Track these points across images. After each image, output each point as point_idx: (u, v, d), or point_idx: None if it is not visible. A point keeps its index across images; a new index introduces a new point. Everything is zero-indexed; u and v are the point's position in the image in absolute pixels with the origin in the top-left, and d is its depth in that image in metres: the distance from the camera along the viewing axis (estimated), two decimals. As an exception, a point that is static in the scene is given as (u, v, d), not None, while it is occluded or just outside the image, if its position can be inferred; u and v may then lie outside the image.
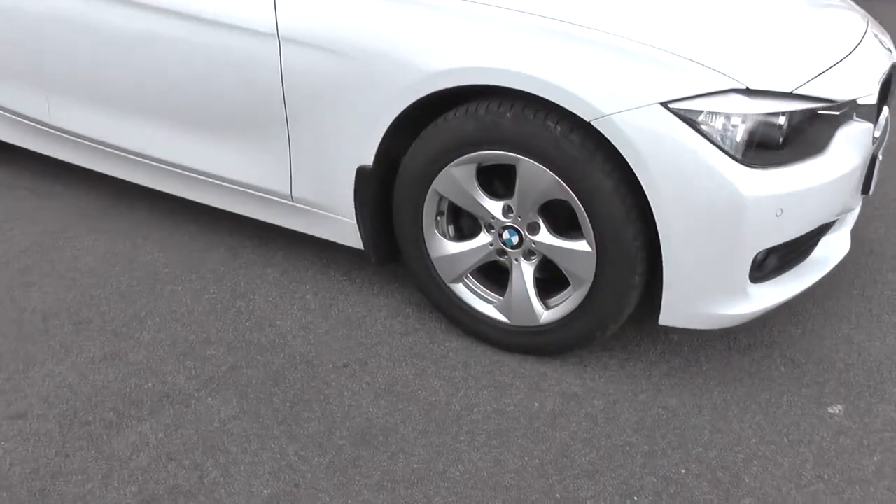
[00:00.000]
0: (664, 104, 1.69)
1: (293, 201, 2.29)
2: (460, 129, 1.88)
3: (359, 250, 2.25)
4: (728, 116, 1.69)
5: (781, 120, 1.72)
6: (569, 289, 2.00)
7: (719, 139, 1.69)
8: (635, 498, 1.67)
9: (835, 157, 1.84)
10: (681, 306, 1.86)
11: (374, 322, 2.25)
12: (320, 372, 2.05)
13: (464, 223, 2.16)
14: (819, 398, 1.95)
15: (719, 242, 1.76)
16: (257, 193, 2.34)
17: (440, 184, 1.99)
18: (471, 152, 1.90)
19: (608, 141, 1.75)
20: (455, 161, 1.93)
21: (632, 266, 1.85)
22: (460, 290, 2.13)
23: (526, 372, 2.06)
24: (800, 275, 2.00)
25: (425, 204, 2.04)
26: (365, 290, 2.40)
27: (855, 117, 1.89)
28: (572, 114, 1.76)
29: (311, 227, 2.33)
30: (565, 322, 2.01)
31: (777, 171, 1.75)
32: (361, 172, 2.08)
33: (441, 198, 2.04)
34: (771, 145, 1.74)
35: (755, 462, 1.76)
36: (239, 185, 2.36)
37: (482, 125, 1.85)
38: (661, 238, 1.77)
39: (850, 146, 1.88)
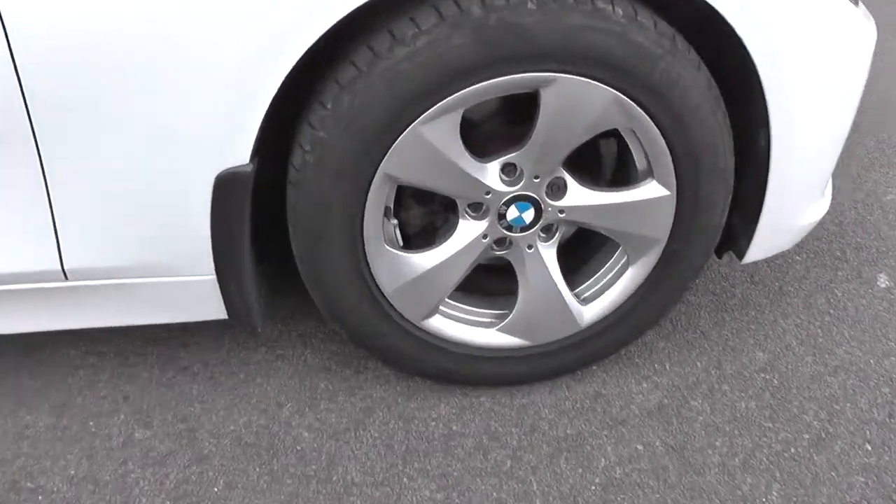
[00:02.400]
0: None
1: (68, 279, 1.14)
2: (442, 50, 0.99)
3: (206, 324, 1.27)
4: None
5: None
6: (613, 263, 1.29)
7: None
8: None
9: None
10: (773, 227, 1.28)
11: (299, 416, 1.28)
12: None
13: (412, 219, 1.27)
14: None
15: (840, 121, 1.19)
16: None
17: (396, 161, 1.07)
18: (460, 89, 1.02)
19: (686, 16, 1.04)
20: (428, 113, 1.03)
21: (721, 197, 1.21)
22: (436, 324, 1.27)
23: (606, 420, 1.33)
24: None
25: (367, 203, 1.11)
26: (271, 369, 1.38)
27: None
28: None
29: (107, 313, 1.22)
30: (619, 315, 1.30)
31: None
32: (228, 181, 1.05)
33: (390, 187, 1.13)
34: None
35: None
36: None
37: (485, 34, 0.98)
38: (774, 135, 1.14)
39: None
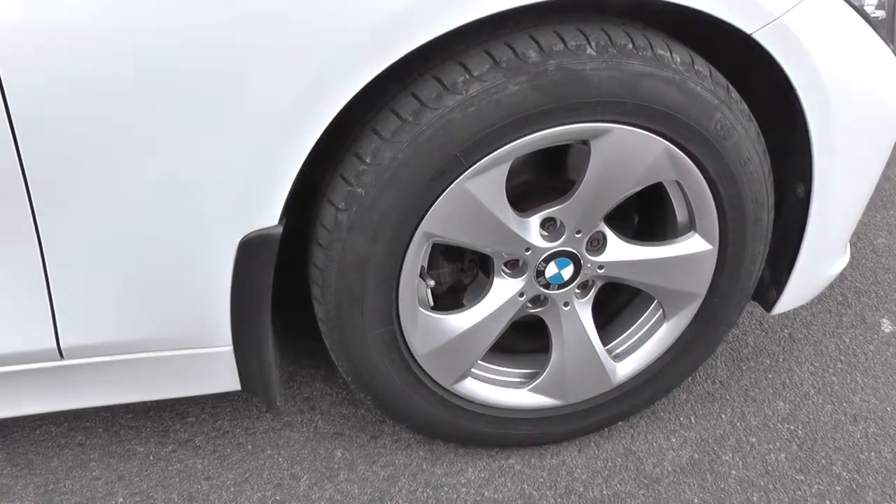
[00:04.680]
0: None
1: (64, 357, 1.02)
2: (495, 99, 0.93)
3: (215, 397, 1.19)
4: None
5: None
6: (646, 318, 1.25)
7: (880, 30, 1.09)
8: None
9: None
10: (806, 278, 1.27)
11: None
12: None
13: (441, 278, 1.20)
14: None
15: (874, 168, 1.20)
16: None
17: (438, 218, 1.01)
18: (513, 140, 0.97)
19: (743, 65, 1.03)
20: (476, 166, 0.98)
21: (762, 251, 1.19)
22: (470, 388, 1.20)
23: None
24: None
25: (405, 264, 1.04)
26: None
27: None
28: (696, 34, 0.98)
29: (118, 391, 1.10)
30: (654, 371, 1.26)
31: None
32: (253, 245, 0.96)
33: (428, 245, 1.06)
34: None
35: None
36: None
37: (543, 81, 0.93)
38: (816, 185, 1.12)
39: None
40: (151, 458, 1.27)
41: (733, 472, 1.29)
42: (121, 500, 1.20)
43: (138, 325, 1.01)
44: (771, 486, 1.26)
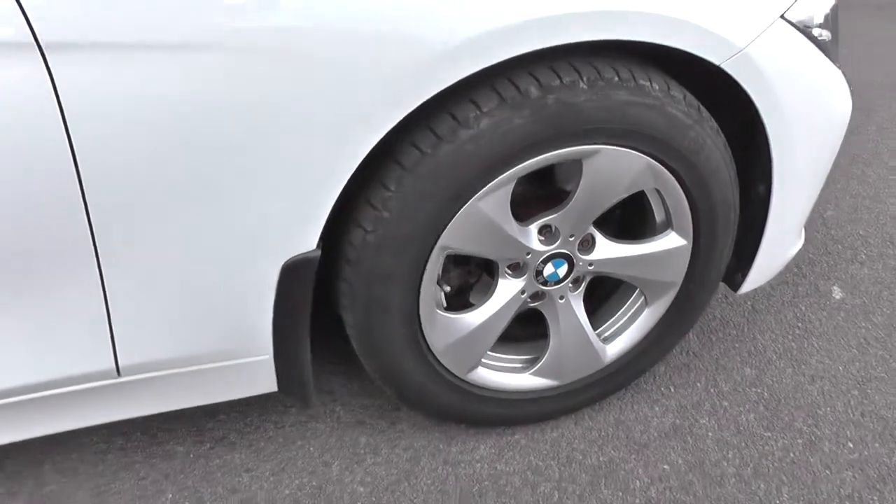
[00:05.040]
0: (783, 17, 1.17)
1: (122, 375, 1.14)
2: (503, 131, 1.06)
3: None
4: (826, 19, 1.25)
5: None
6: (631, 305, 1.42)
7: (827, 51, 1.25)
8: None
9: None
10: (766, 263, 1.45)
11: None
12: None
13: (450, 281, 1.35)
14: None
15: (823, 168, 1.37)
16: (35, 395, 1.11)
17: (453, 233, 1.14)
18: (516, 164, 1.11)
19: (708, 89, 1.18)
20: (486, 188, 1.11)
21: (729, 243, 1.36)
22: (481, 375, 1.36)
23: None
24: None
25: (425, 274, 1.18)
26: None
27: None
28: (670, 66, 1.13)
29: (185, 397, 1.22)
30: (638, 350, 1.43)
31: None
32: (295, 268, 1.08)
33: (443, 256, 1.20)
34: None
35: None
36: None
37: (543, 113, 1.07)
38: (776, 185, 1.29)
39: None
40: (192, 456, 1.40)
41: (710, 433, 1.47)
42: (170, 496, 1.33)
43: (190, 342, 1.13)
44: (743, 444, 1.45)
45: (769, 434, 1.47)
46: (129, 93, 0.88)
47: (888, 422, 1.49)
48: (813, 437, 1.47)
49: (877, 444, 1.45)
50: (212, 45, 0.89)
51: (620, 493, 1.35)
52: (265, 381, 1.24)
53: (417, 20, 0.95)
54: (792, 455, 1.43)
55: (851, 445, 1.46)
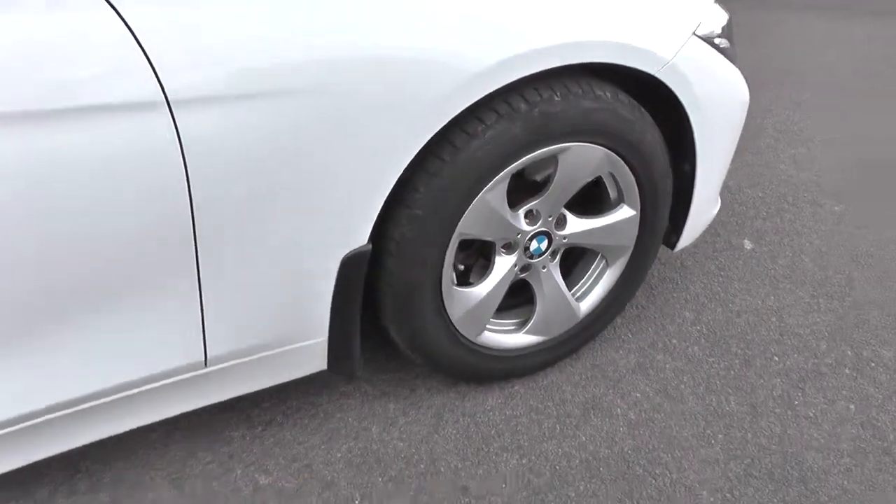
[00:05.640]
0: (695, 34, 1.53)
1: (208, 365, 1.38)
2: (503, 138, 1.37)
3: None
4: (724, 30, 1.63)
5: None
6: (595, 268, 1.76)
7: (727, 55, 1.63)
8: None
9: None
10: (694, 224, 1.82)
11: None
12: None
13: (458, 262, 1.64)
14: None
15: (731, 147, 1.75)
16: (118, 395, 1.33)
17: (467, 222, 1.44)
18: (512, 162, 1.42)
19: (646, 93, 1.53)
20: (490, 184, 1.42)
21: (667, 211, 1.72)
22: (488, 337, 1.66)
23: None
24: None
25: (446, 257, 1.47)
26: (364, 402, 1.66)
27: None
28: (616, 75, 1.46)
29: (253, 381, 1.46)
30: (605, 303, 1.77)
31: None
32: (353, 261, 1.36)
33: (458, 241, 1.49)
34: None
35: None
36: (89, 401, 1.29)
37: (532, 122, 1.38)
38: (699, 163, 1.66)
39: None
40: (247, 438, 1.63)
41: (667, 365, 1.83)
42: (239, 472, 1.56)
43: (264, 331, 1.38)
44: (694, 370, 1.81)
45: (713, 359, 1.84)
46: (236, 135, 1.14)
47: (802, 337, 1.89)
48: (746, 357, 1.85)
49: (795, 355, 1.84)
50: (298, 90, 1.15)
51: (608, 419, 1.68)
52: (317, 361, 1.50)
53: (445, 58, 1.24)
54: (732, 372, 1.81)
55: (777, 359, 1.85)
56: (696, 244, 2.21)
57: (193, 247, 1.22)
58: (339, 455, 1.59)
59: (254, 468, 1.57)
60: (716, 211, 1.88)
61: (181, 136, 1.11)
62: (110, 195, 1.10)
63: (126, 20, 1.06)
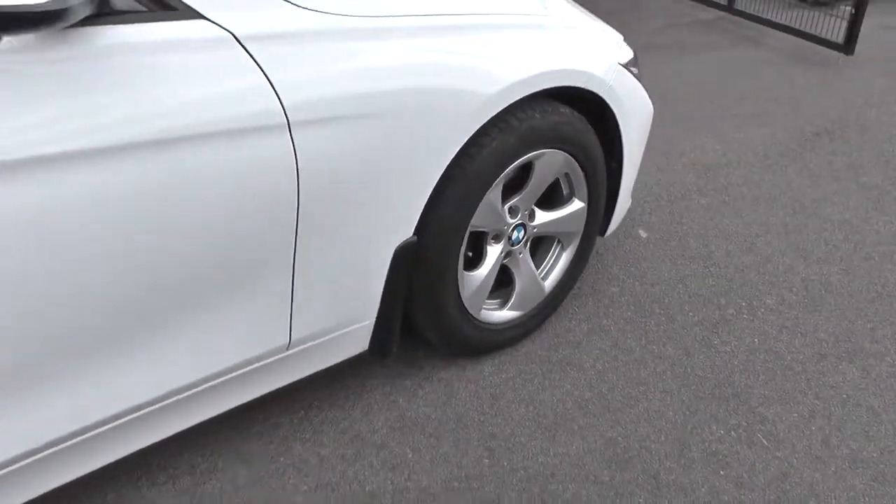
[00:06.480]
0: (620, 63, 2.04)
1: (290, 348, 1.64)
2: (503, 148, 1.77)
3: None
4: (633, 63, 2.16)
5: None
6: (553, 252, 2.19)
7: (637, 77, 2.16)
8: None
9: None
10: (619, 212, 2.32)
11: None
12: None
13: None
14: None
15: (643, 148, 2.27)
16: (226, 377, 1.56)
17: (478, 217, 1.83)
18: (506, 167, 1.82)
19: (587, 109, 2.01)
20: (493, 184, 1.82)
21: (604, 201, 2.20)
22: (485, 314, 2.04)
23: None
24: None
25: (462, 247, 1.84)
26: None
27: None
28: (568, 95, 1.93)
29: (311, 365, 1.72)
30: (563, 279, 2.21)
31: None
32: (403, 250, 1.69)
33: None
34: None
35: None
36: (187, 389, 1.51)
37: (521, 134, 1.80)
38: (625, 161, 2.16)
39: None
40: (295, 421, 1.88)
41: (612, 327, 2.29)
42: (299, 448, 1.80)
43: (332, 314, 1.66)
44: (632, 329, 2.28)
45: (643, 319, 2.33)
46: (335, 148, 1.45)
47: (705, 296, 2.44)
48: (668, 315, 2.36)
49: (704, 310, 2.38)
50: (373, 114, 1.48)
51: (581, 371, 2.10)
52: (359, 344, 1.79)
53: (469, 87, 1.63)
54: (661, 327, 2.30)
55: (691, 314, 2.36)
56: (604, 237, 2.73)
57: (293, 244, 1.50)
58: (379, 424, 1.88)
59: (311, 443, 1.82)
60: (630, 203, 2.39)
61: (297, 151, 1.41)
62: (232, 202, 1.37)
63: (256, 60, 1.36)
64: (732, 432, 1.94)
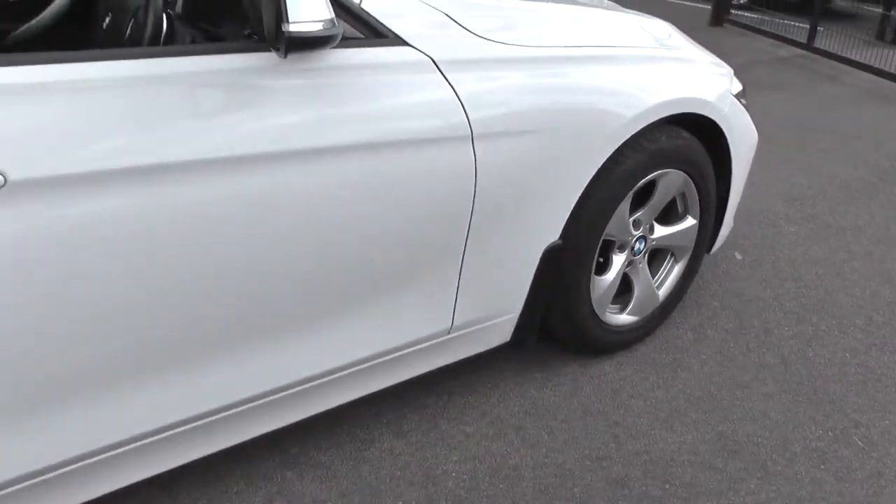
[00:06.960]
0: (732, 94, 2.28)
1: (450, 333, 1.89)
2: (635, 164, 2.02)
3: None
4: (742, 95, 2.39)
5: None
6: (667, 264, 2.42)
7: (745, 106, 2.39)
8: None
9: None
10: (724, 232, 2.54)
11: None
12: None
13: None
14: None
15: (747, 173, 2.50)
16: (399, 352, 1.82)
17: (611, 226, 2.07)
18: (637, 182, 2.07)
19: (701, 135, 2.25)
20: (626, 197, 2.06)
21: (713, 220, 2.42)
22: (608, 316, 2.26)
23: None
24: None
25: (596, 253, 2.08)
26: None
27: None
28: (686, 122, 2.17)
29: (464, 350, 1.97)
30: (674, 290, 2.43)
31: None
32: (550, 252, 1.93)
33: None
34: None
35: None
36: (365, 362, 1.77)
37: (651, 154, 2.04)
38: (733, 179, 2.39)
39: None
40: (440, 403, 2.11)
41: (715, 337, 2.49)
42: (445, 426, 2.04)
43: (487, 304, 1.91)
44: (734, 339, 2.48)
45: (743, 331, 2.52)
46: (507, 157, 1.72)
47: (798, 314, 2.62)
48: (766, 328, 2.55)
49: (798, 325, 2.57)
50: (536, 129, 1.75)
51: (690, 372, 2.31)
52: (504, 335, 2.03)
53: (613, 109, 1.88)
54: (760, 338, 2.49)
55: (787, 328, 2.55)
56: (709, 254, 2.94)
57: (465, 240, 1.76)
58: (516, 409, 2.11)
59: (457, 422, 2.06)
60: (732, 225, 2.61)
61: (477, 159, 1.68)
62: (422, 200, 1.63)
63: (450, 80, 1.63)
64: (830, 433, 2.12)
